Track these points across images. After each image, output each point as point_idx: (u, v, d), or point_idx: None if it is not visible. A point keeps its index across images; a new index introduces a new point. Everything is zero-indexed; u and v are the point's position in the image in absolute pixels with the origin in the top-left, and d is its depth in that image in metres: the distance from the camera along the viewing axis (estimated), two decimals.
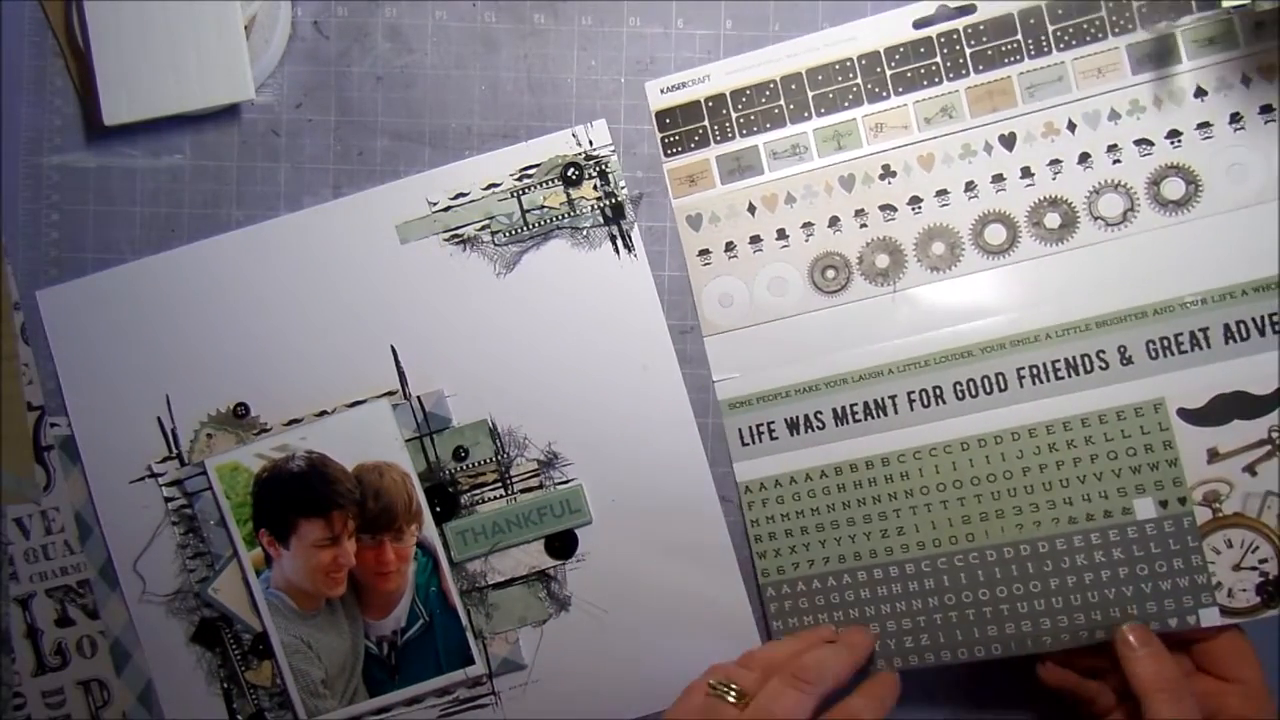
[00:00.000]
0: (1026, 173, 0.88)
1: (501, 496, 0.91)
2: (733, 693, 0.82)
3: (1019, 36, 0.88)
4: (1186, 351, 0.86)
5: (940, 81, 0.89)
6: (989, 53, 0.88)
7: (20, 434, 0.91)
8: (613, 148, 0.91)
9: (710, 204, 0.91)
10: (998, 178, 0.89)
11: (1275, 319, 0.85)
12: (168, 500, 0.92)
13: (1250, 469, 0.85)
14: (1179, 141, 0.87)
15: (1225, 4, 0.82)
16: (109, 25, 0.89)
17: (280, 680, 0.92)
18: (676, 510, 0.91)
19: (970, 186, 0.89)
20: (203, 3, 0.88)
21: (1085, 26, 0.87)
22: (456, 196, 0.91)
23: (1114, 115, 0.87)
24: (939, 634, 0.88)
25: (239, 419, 0.91)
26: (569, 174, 0.90)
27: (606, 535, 0.91)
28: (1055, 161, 0.88)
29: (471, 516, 0.91)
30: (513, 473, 0.91)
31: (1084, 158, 0.88)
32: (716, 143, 0.91)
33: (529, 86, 0.92)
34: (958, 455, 0.88)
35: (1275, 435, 0.84)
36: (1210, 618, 0.84)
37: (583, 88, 0.92)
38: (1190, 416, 0.85)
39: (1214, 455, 0.85)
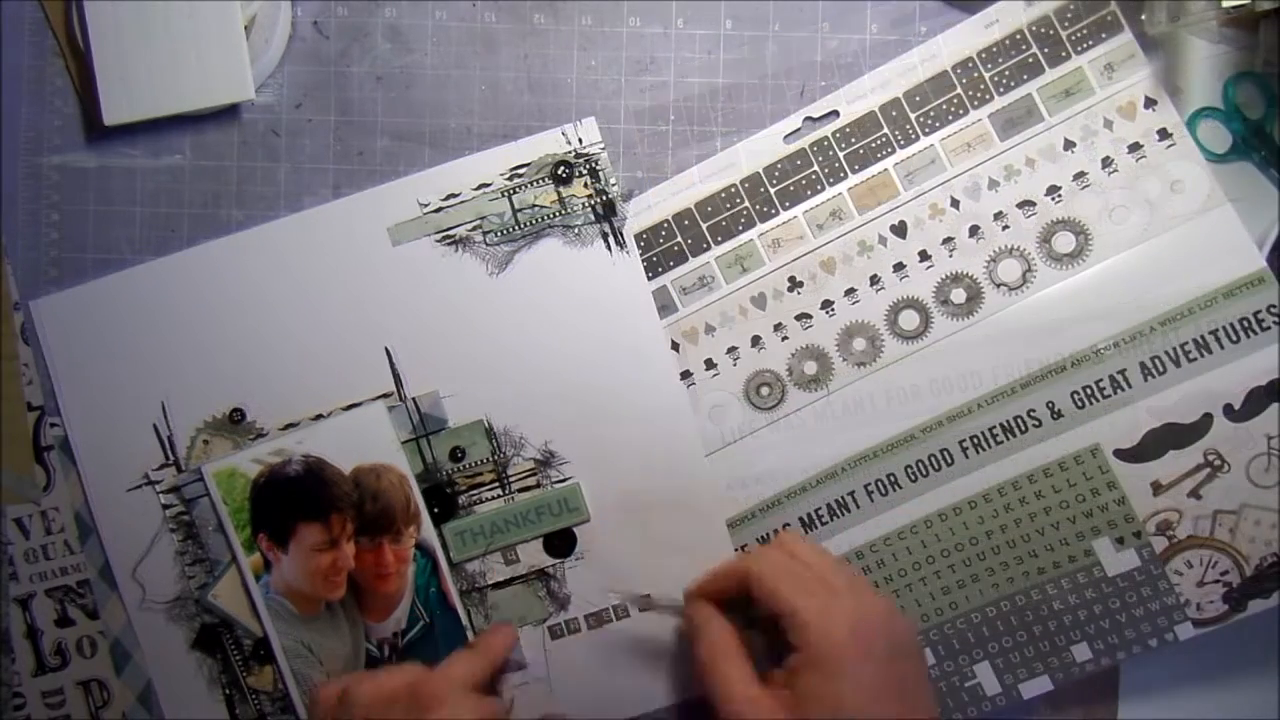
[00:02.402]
0: (924, 256, 0.91)
1: (499, 496, 0.91)
2: None
3: (885, 130, 0.91)
4: (1110, 395, 0.89)
5: (823, 188, 0.91)
6: (861, 151, 0.91)
7: (20, 434, 0.91)
8: (603, 145, 0.91)
9: None
10: (899, 266, 0.91)
11: (1186, 348, 0.88)
12: (165, 507, 0.91)
13: (1194, 494, 0.88)
14: (1059, 196, 0.90)
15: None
16: (109, 25, 0.89)
17: (282, 684, 0.91)
18: (674, 507, 0.91)
19: (875, 280, 0.91)
20: (203, 3, 0.89)
21: (945, 107, 0.91)
22: (448, 197, 0.91)
23: (993, 184, 0.90)
24: (946, 700, 0.90)
25: (235, 424, 0.91)
26: (559, 172, 0.90)
27: (605, 533, 0.91)
28: (948, 240, 0.91)
29: (470, 517, 0.91)
30: (510, 472, 0.91)
31: (974, 230, 0.90)
32: None
33: (529, 86, 0.91)
34: (924, 533, 0.90)
35: (1211, 458, 0.88)
36: (1185, 632, 0.88)
37: (582, 88, 0.91)
38: (1126, 455, 0.88)
39: (1157, 487, 0.88)
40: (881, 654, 0.76)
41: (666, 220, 0.91)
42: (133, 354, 0.91)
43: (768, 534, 0.90)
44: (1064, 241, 0.89)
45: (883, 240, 0.90)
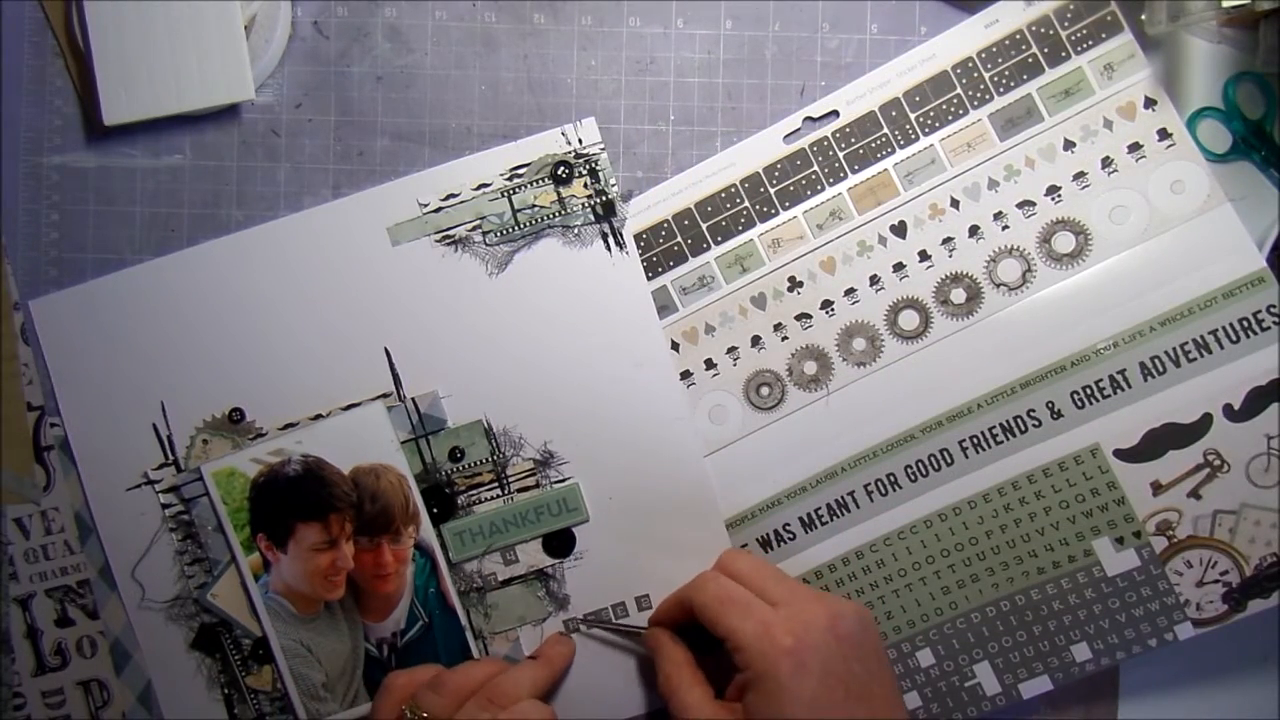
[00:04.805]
0: (924, 256, 0.91)
1: (498, 496, 0.91)
2: None
3: (885, 130, 0.91)
4: (1110, 395, 0.89)
5: (823, 188, 0.91)
6: (861, 151, 0.91)
7: (20, 433, 0.91)
8: (603, 145, 0.91)
9: None
10: (898, 266, 0.91)
11: (1186, 348, 0.88)
12: (165, 507, 0.91)
13: (1194, 494, 0.88)
14: (1059, 196, 0.90)
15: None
16: (109, 25, 0.89)
17: (281, 684, 0.91)
18: (673, 507, 0.91)
19: (875, 280, 0.91)
20: (203, 3, 0.89)
21: (945, 107, 0.91)
22: (447, 197, 0.91)
23: (992, 184, 0.90)
24: (946, 699, 0.90)
25: (234, 424, 0.91)
26: (559, 172, 0.90)
27: (604, 533, 0.91)
28: (948, 240, 0.91)
29: (469, 517, 0.91)
30: (509, 472, 0.91)
31: (974, 230, 0.91)
32: None
33: (529, 86, 0.91)
34: (924, 533, 0.90)
35: (1211, 458, 0.88)
36: (1185, 632, 0.88)
37: (582, 88, 0.91)
38: (1126, 455, 0.88)
39: (1157, 487, 0.88)
40: (818, 663, 0.78)
41: (666, 220, 0.91)
42: (132, 354, 0.91)
43: (768, 534, 0.90)
44: (1064, 241, 0.89)
45: (883, 240, 0.90)
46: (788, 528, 0.91)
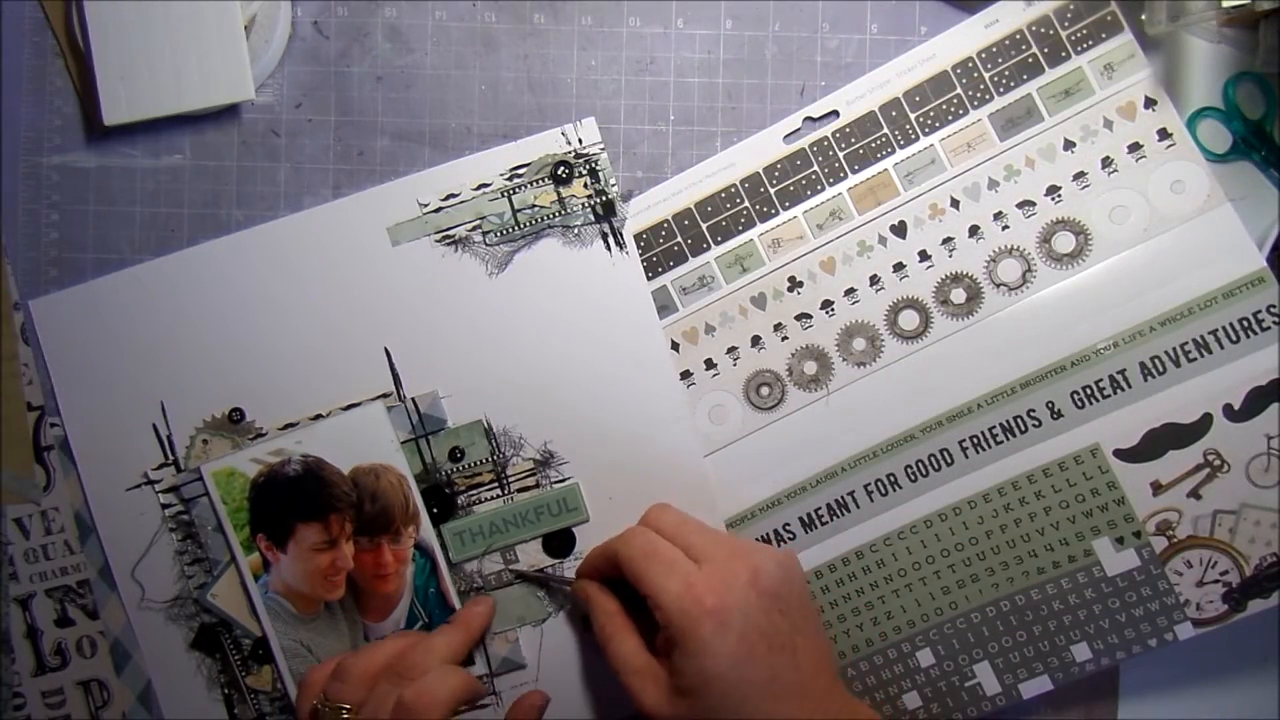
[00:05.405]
0: (924, 256, 0.91)
1: (498, 496, 0.91)
2: (345, 712, 0.83)
3: (885, 130, 0.91)
4: (1110, 395, 0.88)
5: (823, 188, 0.91)
6: (861, 151, 0.91)
7: (20, 433, 0.91)
8: (603, 145, 0.91)
9: None
10: (898, 266, 0.91)
11: (1186, 348, 0.87)
12: (164, 507, 0.91)
13: (1194, 494, 0.87)
14: (1059, 196, 0.90)
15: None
16: (109, 25, 0.89)
17: (281, 684, 0.91)
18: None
19: (875, 280, 0.91)
20: (203, 3, 0.89)
21: (945, 107, 0.91)
22: (447, 197, 0.91)
23: (992, 184, 0.90)
24: (946, 699, 0.90)
25: (234, 424, 0.91)
26: (559, 172, 0.90)
27: (604, 533, 0.90)
28: (948, 240, 0.91)
29: (469, 517, 0.91)
30: (509, 472, 0.91)
31: (974, 230, 0.90)
32: None
33: (529, 86, 0.91)
34: (924, 533, 0.90)
35: (1211, 458, 0.87)
36: (1185, 632, 0.87)
37: (582, 88, 0.91)
38: (1126, 455, 0.88)
39: (1157, 487, 0.88)
40: (739, 620, 0.78)
41: (666, 220, 0.91)
42: (132, 354, 0.91)
43: (768, 534, 0.90)
44: (1064, 241, 0.89)
45: (883, 240, 0.90)
46: (788, 528, 0.91)
